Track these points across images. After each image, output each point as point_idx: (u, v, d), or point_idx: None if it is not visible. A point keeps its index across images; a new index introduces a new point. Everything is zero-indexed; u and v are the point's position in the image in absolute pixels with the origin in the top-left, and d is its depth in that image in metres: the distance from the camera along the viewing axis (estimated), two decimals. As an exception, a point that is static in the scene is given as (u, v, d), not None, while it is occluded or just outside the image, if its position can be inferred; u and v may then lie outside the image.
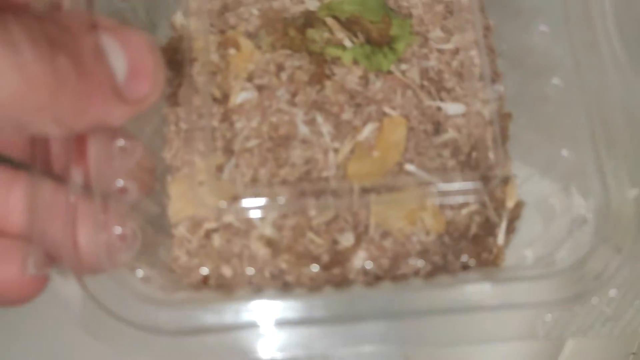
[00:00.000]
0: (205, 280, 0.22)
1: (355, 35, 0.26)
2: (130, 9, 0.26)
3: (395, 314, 0.21)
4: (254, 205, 0.23)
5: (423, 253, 0.23)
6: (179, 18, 0.26)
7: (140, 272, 0.21)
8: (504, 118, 0.25)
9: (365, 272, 0.23)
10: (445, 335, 0.21)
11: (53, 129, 0.17)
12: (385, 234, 0.23)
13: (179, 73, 0.25)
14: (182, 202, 0.23)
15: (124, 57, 0.18)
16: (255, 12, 0.26)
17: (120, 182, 0.20)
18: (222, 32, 0.26)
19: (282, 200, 0.23)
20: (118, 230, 0.20)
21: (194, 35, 0.25)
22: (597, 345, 0.32)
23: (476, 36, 0.26)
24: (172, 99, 0.25)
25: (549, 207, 0.25)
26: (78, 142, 0.20)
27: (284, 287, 0.22)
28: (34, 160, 0.19)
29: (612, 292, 0.21)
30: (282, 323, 0.21)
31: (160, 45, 0.25)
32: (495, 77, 0.26)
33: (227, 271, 0.22)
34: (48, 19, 0.16)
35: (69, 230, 0.19)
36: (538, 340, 0.31)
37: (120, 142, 0.21)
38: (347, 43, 0.26)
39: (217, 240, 0.22)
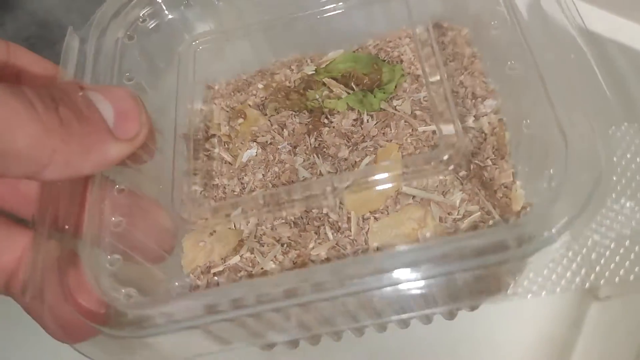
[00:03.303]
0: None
1: (350, 87, 0.28)
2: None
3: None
4: (256, 246, 0.24)
5: None
6: (197, 104, 0.30)
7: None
8: (499, 128, 0.24)
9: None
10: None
11: (64, 171, 0.20)
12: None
13: (197, 149, 0.28)
14: (194, 253, 0.25)
15: (109, 105, 0.21)
16: (260, 86, 0.29)
17: (117, 221, 0.22)
18: (232, 108, 0.29)
19: (284, 237, 0.24)
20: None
21: (209, 117, 0.29)
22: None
23: (463, 64, 0.27)
24: (192, 171, 0.28)
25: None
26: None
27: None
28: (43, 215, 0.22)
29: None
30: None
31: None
32: (486, 95, 0.26)
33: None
34: (48, 84, 0.21)
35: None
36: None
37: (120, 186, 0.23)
38: (343, 95, 0.28)
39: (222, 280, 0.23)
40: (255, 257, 0.24)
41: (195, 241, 0.25)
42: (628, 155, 0.29)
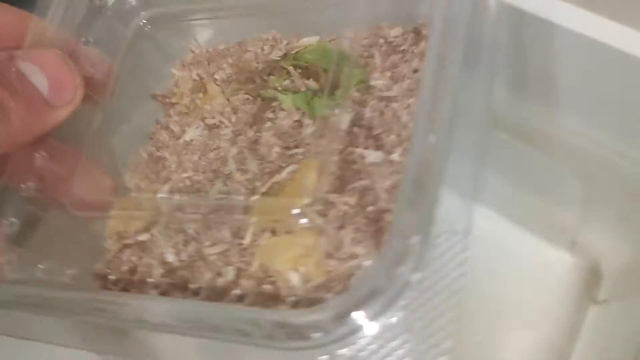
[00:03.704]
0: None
1: (310, 81, 0.26)
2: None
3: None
4: (160, 230, 0.25)
5: (296, 304, 0.22)
6: (176, 69, 0.30)
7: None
8: (424, 170, 0.22)
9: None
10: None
11: (6, 146, 0.22)
12: (265, 275, 0.22)
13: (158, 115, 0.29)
14: (118, 219, 0.26)
15: (42, 76, 0.22)
16: (230, 60, 0.29)
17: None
18: (201, 79, 0.29)
19: (190, 228, 0.24)
20: None
21: (179, 84, 0.29)
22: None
23: (418, 85, 0.24)
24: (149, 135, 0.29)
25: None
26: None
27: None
28: None
29: None
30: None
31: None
32: (431, 126, 0.23)
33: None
34: None
35: None
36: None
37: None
38: (303, 89, 0.26)
39: (127, 254, 0.25)
40: (161, 240, 0.25)
41: (123, 207, 0.26)
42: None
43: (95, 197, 0.26)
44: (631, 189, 0.31)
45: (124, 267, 0.25)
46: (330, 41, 0.27)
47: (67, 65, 0.23)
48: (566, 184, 0.32)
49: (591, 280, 0.32)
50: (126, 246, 0.25)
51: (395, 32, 0.26)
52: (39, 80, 0.23)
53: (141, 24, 0.30)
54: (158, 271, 0.24)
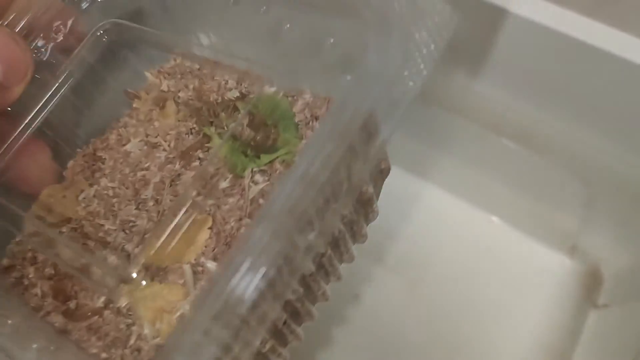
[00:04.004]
0: None
1: (251, 132, 0.26)
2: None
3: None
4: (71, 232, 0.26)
5: (137, 351, 0.22)
6: (151, 73, 0.30)
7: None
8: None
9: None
10: None
11: None
12: (126, 319, 0.23)
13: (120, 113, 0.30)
14: (50, 200, 0.28)
15: None
16: (196, 83, 0.29)
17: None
18: (168, 91, 0.29)
19: (65, 252, 0.25)
20: None
21: (148, 90, 0.30)
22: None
23: None
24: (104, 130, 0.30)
25: None
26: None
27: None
28: None
29: None
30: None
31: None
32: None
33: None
34: None
35: None
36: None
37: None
38: (245, 137, 0.26)
39: (33, 242, 0.26)
40: (64, 241, 0.26)
41: (50, 195, 0.28)
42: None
43: (35, 178, 0.28)
44: (631, 194, 0.31)
45: (28, 254, 0.26)
46: (289, 97, 0.27)
47: (18, 45, 0.24)
48: (567, 188, 0.33)
49: (591, 284, 0.32)
50: (36, 234, 0.27)
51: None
52: None
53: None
54: (48, 271, 0.25)
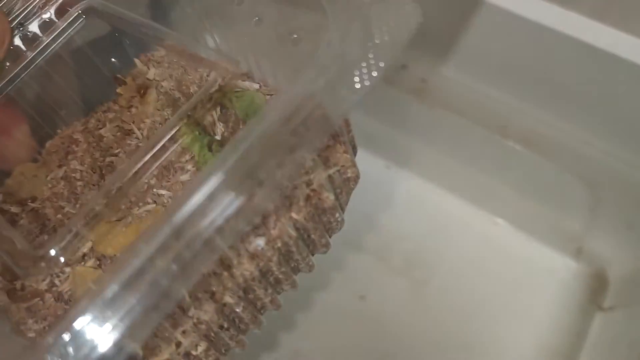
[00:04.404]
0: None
1: (222, 127, 0.25)
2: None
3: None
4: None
5: None
6: (139, 62, 0.30)
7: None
8: None
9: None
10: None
11: None
12: (65, 305, 0.22)
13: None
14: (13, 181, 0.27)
15: None
16: (178, 72, 0.28)
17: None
18: (148, 79, 0.29)
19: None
20: None
21: (135, 76, 0.29)
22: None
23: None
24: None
25: None
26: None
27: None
28: None
29: None
30: None
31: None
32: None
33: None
34: None
35: None
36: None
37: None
38: (216, 131, 0.25)
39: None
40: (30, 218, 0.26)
41: (22, 172, 0.28)
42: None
43: (10, 155, 0.28)
44: (637, 197, 0.31)
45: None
46: (266, 95, 0.26)
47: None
48: (573, 191, 0.33)
49: (597, 287, 0.32)
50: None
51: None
52: None
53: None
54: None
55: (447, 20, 0.32)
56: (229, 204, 0.16)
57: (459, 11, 0.31)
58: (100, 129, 0.28)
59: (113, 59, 0.30)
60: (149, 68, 0.30)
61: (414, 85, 0.35)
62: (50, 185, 0.26)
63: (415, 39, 0.33)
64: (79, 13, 0.28)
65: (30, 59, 0.27)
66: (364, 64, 0.17)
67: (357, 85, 0.17)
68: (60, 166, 0.27)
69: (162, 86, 0.28)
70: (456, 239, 0.35)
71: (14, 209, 0.26)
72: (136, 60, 0.30)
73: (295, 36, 0.21)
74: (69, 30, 0.28)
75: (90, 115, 0.29)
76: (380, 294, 0.33)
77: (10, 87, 0.27)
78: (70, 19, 0.28)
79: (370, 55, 0.17)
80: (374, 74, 0.17)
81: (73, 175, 0.26)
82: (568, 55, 0.28)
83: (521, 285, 0.33)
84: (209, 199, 0.16)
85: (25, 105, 0.28)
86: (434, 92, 0.36)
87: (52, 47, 0.28)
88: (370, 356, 0.32)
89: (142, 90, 0.28)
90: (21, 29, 0.27)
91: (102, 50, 0.30)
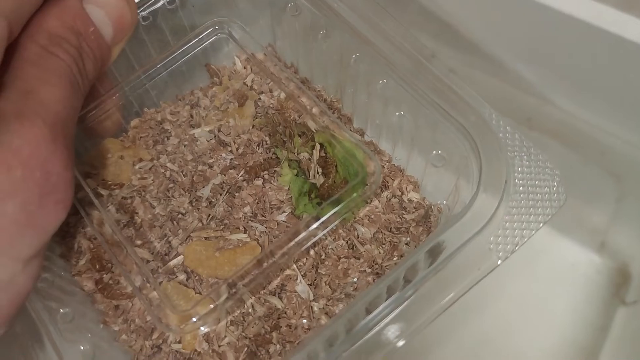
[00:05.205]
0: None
1: (320, 173, 0.27)
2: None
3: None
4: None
5: (157, 348, 0.24)
6: (240, 58, 0.30)
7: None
8: None
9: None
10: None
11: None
12: (156, 311, 0.24)
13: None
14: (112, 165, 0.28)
15: (109, 23, 0.23)
16: (282, 95, 0.29)
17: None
18: (249, 87, 0.29)
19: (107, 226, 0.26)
20: None
21: (231, 76, 0.30)
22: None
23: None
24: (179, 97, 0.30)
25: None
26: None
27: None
28: None
29: None
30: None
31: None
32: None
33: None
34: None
35: None
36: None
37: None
38: (312, 173, 0.26)
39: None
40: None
41: (116, 146, 0.28)
42: None
43: (104, 128, 0.28)
44: None
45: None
46: (366, 150, 0.27)
47: (129, 6, 0.23)
48: (598, 184, 0.34)
49: (620, 281, 0.33)
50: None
51: (413, 196, 0.26)
52: (105, 28, 0.23)
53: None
54: (90, 230, 0.26)
55: (474, 13, 0.32)
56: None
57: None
58: (194, 128, 0.28)
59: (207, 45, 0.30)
60: (248, 71, 0.30)
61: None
62: (139, 176, 0.27)
63: (443, 29, 0.33)
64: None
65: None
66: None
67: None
68: (151, 158, 0.28)
69: (260, 100, 0.29)
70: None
71: (101, 191, 0.27)
72: (236, 59, 0.30)
73: (439, 152, 0.23)
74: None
75: (180, 104, 0.29)
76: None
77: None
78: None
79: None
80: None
81: (163, 171, 0.27)
82: (595, 46, 0.29)
83: (544, 277, 0.34)
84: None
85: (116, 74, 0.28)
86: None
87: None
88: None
89: (242, 100, 0.29)
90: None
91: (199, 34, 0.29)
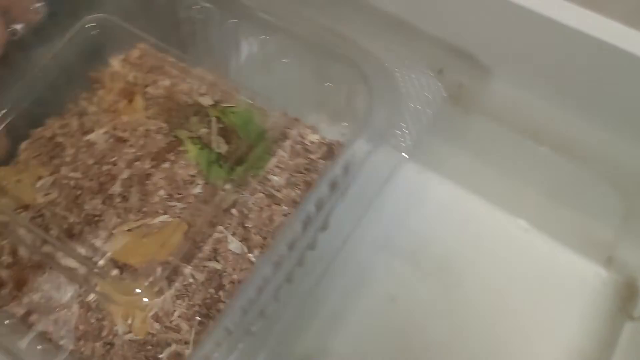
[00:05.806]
0: None
1: (223, 142, 0.28)
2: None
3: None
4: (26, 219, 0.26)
5: (109, 345, 0.24)
6: (117, 61, 0.30)
7: None
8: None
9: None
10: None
11: None
12: (97, 313, 0.24)
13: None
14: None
15: None
16: (167, 83, 0.29)
17: None
18: (134, 85, 0.30)
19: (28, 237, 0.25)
20: None
21: (113, 78, 0.30)
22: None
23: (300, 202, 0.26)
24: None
25: None
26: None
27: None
28: None
29: None
30: None
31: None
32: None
33: None
34: None
35: None
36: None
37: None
38: (214, 145, 0.28)
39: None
40: (23, 229, 0.26)
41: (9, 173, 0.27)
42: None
43: None
44: None
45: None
46: (260, 110, 0.29)
47: None
48: (605, 199, 0.34)
49: (627, 296, 0.33)
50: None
51: (313, 138, 0.27)
52: None
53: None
54: (6, 259, 0.25)
55: (480, 26, 0.32)
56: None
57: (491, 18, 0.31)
58: (87, 133, 0.28)
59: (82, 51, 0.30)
60: (128, 70, 0.30)
61: (450, 90, 0.34)
62: (42, 193, 0.27)
63: (451, 44, 0.33)
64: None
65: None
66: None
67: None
68: (51, 173, 0.27)
69: (147, 92, 0.29)
70: (487, 244, 0.36)
71: (12, 216, 0.26)
72: (111, 60, 0.30)
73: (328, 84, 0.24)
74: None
75: (67, 116, 0.29)
76: (410, 297, 0.34)
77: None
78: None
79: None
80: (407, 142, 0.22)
81: (66, 182, 0.27)
82: (605, 61, 0.28)
83: (551, 292, 0.34)
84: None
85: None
86: (469, 97, 0.35)
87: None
88: (399, 356, 0.33)
89: (129, 96, 0.29)
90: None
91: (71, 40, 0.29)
